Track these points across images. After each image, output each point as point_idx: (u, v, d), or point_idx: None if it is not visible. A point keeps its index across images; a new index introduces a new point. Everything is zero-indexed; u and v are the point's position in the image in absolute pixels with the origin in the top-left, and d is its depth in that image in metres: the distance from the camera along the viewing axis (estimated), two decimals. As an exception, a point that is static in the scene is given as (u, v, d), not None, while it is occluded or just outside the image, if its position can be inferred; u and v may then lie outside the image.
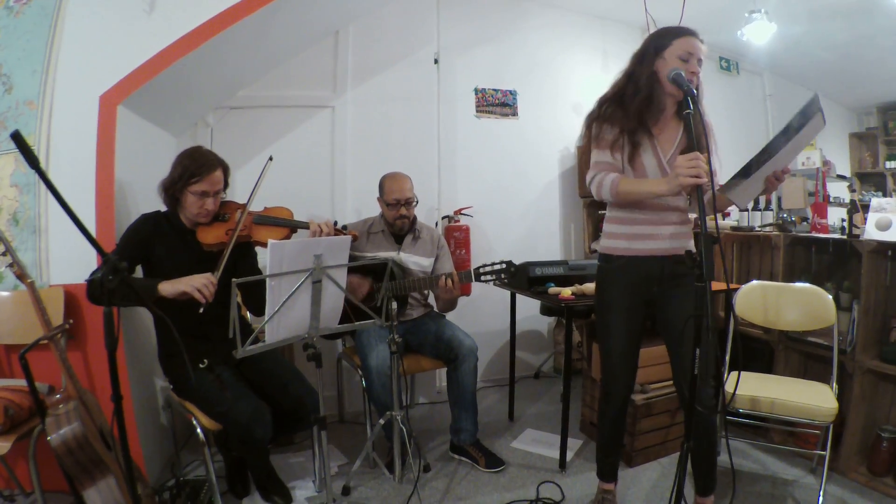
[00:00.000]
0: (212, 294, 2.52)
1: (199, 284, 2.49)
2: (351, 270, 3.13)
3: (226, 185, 2.89)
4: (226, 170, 2.86)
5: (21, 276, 2.61)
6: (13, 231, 2.98)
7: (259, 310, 2.93)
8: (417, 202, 3.66)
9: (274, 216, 2.90)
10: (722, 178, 2.40)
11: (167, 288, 2.50)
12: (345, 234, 2.95)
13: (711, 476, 2.62)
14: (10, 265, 2.59)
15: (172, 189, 2.76)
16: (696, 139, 2.13)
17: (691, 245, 2.55)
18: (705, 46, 2.37)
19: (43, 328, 2.61)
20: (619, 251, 2.54)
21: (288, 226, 2.87)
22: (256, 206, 2.92)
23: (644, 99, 2.39)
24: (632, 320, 2.58)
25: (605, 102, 2.51)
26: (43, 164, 1.43)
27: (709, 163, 2.14)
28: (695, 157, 2.11)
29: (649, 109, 2.39)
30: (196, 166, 2.71)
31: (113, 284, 1.57)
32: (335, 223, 2.97)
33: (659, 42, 2.40)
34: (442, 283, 3.25)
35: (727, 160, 5.56)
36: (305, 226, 2.88)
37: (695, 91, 2.14)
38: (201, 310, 2.50)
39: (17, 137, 1.44)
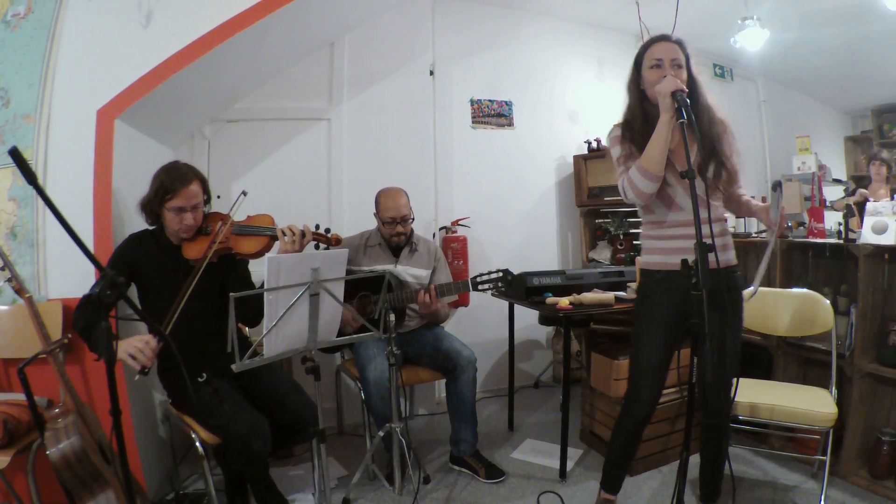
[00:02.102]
0: (150, 359, 2.35)
1: (133, 350, 2.33)
2: (349, 294, 3.12)
3: (208, 197, 2.87)
4: (203, 182, 2.82)
5: (19, 290, 2.61)
6: (11, 245, 2.98)
7: (251, 321, 2.92)
8: (414, 219, 3.67)
9: (253, 225, 2.86)
10: (744, 181, 2.57)
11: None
12: (327, 237, 2.94)
13: (718, 484, 2.62)
14: (9, 279, 2.59)
15: (150, 207, 2.74)
16: (693, 140, 2.12)
17: (732, 255, 2.54)
18: (678, 45, 2.41)
19: (41, 342, 2.61)
20: (656, 266, 2.51)
21: (267, 234, 2.82)
22: (240, 216, 2.89)
23: (641, 124, 2.43)
24: (667, 338, 2.51)
25: (624, 126, 2.54)
26: (40, 178, 1.43)
27: (713, 152, 2.35)
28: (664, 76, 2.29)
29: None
30: (170, 182, 2.67)
31: (111, 299, 1.57)
32: (316, 226, 2.93)
33: (636, 62, 2.50)
34: (421, 297, 3.26)
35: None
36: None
37: (687, 101, 2.15)
38: (136, 377, 2.38)
39: (14, 154, 1.44)
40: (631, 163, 2.42)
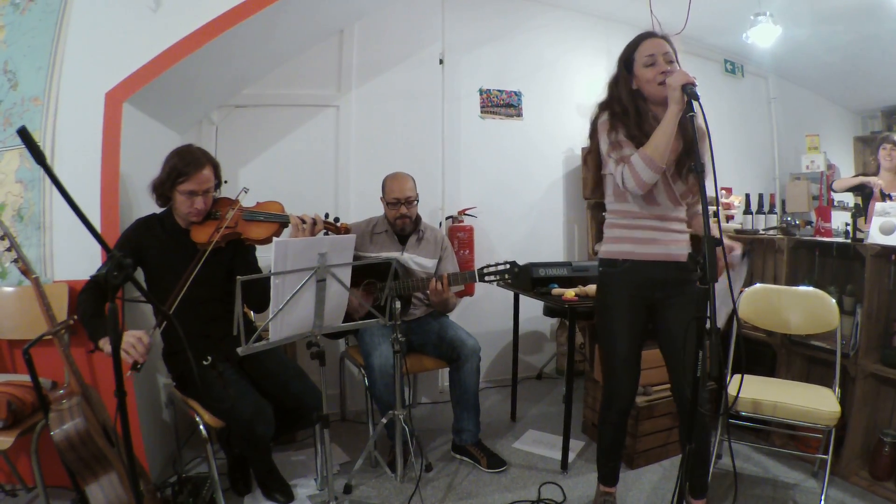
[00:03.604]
0: (142, 354, 2.33)
1: (126, 346, 2.32)
2: (355, 282, 3.12)
3: (219, 182, 2.88)
4: (216, 167, 2.84)
5: (25, 271, 2.62)
6: (18, 227, 2.99)
7: (258, 307, 2.93)
8: (418, 201, 3.66)
9: (263, 211, 2.88)
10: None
11: (103, 345, 2.39)
12: (336, 226, 2.95)
13: (705, 478, 2.65)
14: (15, 261, 2.60)
15: (161, 189, 2.76)
16: (689, 142, 2.11)
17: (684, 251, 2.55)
18: (667, 42, 2.42)
19: (47, 324, 2.61)
20: (623, 255, 2.52)
21: (277, 220, 2.84)
22: (249, 202, 2.91)
23: (635, 117, 2.42)
24: (634, 324, 2.56)
25: (605, 108, 2.54)
26: (48, 161, 1.43)
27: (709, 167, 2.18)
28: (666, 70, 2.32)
29: (647, 123, 2.40)
30: (183, 165, 2.69)
31: (118, 281, 1.57)
32: (326, 215, 2.95)
33: (626, 60, 2.50)
34: (432, 286, 3.26)
35: (731, 163, 5.54)
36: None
37: (697, 94, 2.13)
38: (129, 373, 2.36)
39: (23, 133, 1.44)
40: (619, 152, 2.41)
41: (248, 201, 2.88)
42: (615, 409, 2.66)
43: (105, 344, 2.38)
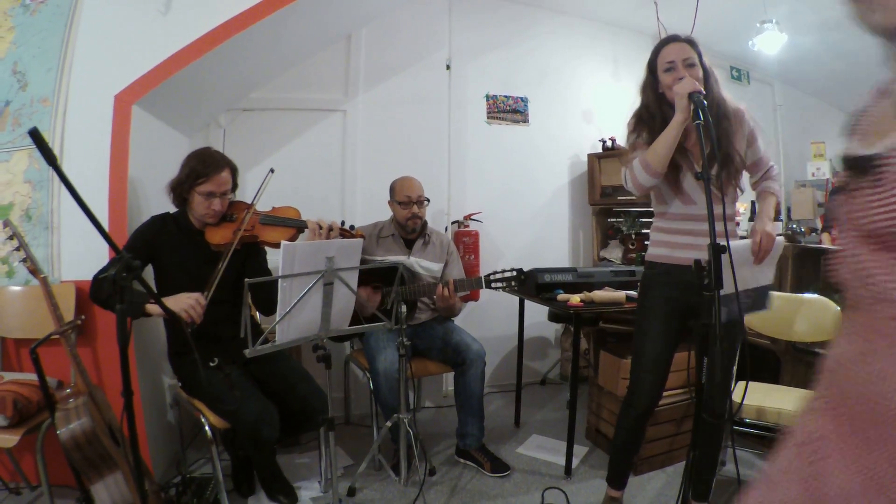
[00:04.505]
0: (199, 315, 2.51)
1: (185, 306, 2.48)
2: (362, 284, 3.14)
3: (234, 185, 2.92)
4: (234, 171, 2.88)
5: (34, 271, 2.64)
6: (26, 226, 3.00)
7: (267, 309, 2.95)
8: (429, 202, 3.67)
9: (280, 216, 2.92)
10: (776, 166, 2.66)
11: (154, 309, 2.50)
12: (351, 233, 2.98)
13: (711, 482, 2.67)
14: (24, 260, 2.62)
15: (180, 189, 2.80)
16: (708, 141, 2.11)
17: None
18: (688, 44, 2.42)
19: (54, 323, 2.63)
20: (660, 258, 2.54)
21: (294, 226, 2.88)
22: (264, 206, 2.94)
23: (660, 123, 2.43)
24: (667, 329, 2.54)
25: (635, 114, 2.58)
26: (59, 162, 1.45)
27: (719, 149, 2.31)
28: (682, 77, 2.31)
29: None
30: (203, 167, 2.74)
31: (126, 282, 1.59)
32: (342, 223, 2.98)
33: (650, 65, 2.51)
34: (439, 291, 3.27)
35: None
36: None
37: (704, 102, 2.13)
38: (189, 330, 2.45)
39: (35, 135, 1.45)
40: (632, 153, 2.47)
41: (264, 205, 2.92)
42: (632, 413, 2.64)
43: (153, 307, 2.49)
